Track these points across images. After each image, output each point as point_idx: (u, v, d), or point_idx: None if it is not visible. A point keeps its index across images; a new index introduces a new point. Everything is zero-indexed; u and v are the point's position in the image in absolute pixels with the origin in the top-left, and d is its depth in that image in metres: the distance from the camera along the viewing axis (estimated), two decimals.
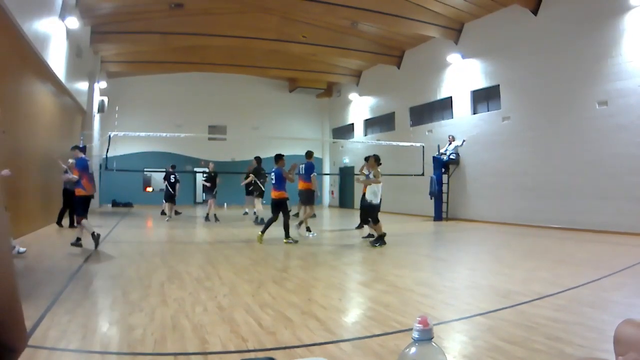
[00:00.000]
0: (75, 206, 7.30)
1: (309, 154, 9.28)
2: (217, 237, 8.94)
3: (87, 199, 6.80)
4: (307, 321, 3.19)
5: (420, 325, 0.75)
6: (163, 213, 13.75)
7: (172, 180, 13.01)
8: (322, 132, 22.62)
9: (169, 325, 3.04)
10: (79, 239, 6.51)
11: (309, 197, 9.41)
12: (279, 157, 8.04)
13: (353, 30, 14.72)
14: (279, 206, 7.78)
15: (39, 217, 9.25)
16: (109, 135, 11.32)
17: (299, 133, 20.55)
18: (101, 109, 15.63)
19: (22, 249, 6.06)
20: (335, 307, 3.72)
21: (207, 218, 12.32)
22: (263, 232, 7.73)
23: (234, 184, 15.24)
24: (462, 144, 13.22)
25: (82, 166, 6.72)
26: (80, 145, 10.36)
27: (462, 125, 13.52)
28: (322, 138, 22.44)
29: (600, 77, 9.60)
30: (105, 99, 15.90)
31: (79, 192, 6.72)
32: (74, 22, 10.12)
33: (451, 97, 14.02)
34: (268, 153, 20.44)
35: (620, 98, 9.20)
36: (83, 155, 7.00)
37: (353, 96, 19.96)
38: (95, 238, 6.53)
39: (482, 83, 12.82)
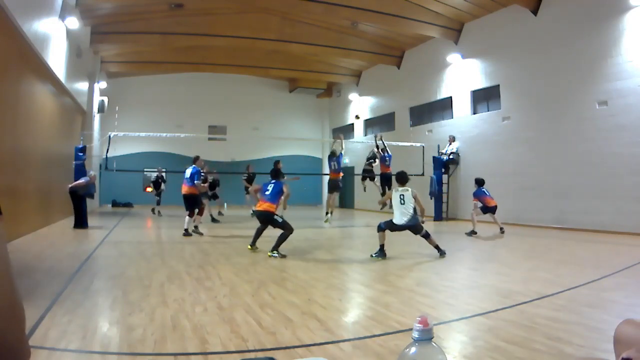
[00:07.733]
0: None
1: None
2: (217, 237, 8.94)
3: None
4: (307, 321, 3.19)
5: (420, 325, 0.75)
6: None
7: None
8: (322, 132, 22.61)
9: (169, 325, 3.03)
10: None
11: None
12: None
13: (353, 30, 14.73)
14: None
15: (38, 217, 9.24)
16: (109, 136, 11.36)
17: (299, 133, 20.56)
18: (101, 109, 15.62)
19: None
20: (335, 307, 3.72)
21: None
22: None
23: (234, 184, 15.49)
24: (457, 150, 13.38)
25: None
26: (80, 146, 10.40)
27: (462, 126, 13.52)
28: (322, 138, 22.43)
29: (600, 77, 9.59)
30: (105, 99, 15.89)
31: None
32: (74, 22, 10.11)
33: (451, 97, 14.02)
34: (268, 153, 20.58)
35: (620, 98, 9.20)
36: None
37: (353, 96, 19.95)
38: None
39: (482, 83, 12.82)
